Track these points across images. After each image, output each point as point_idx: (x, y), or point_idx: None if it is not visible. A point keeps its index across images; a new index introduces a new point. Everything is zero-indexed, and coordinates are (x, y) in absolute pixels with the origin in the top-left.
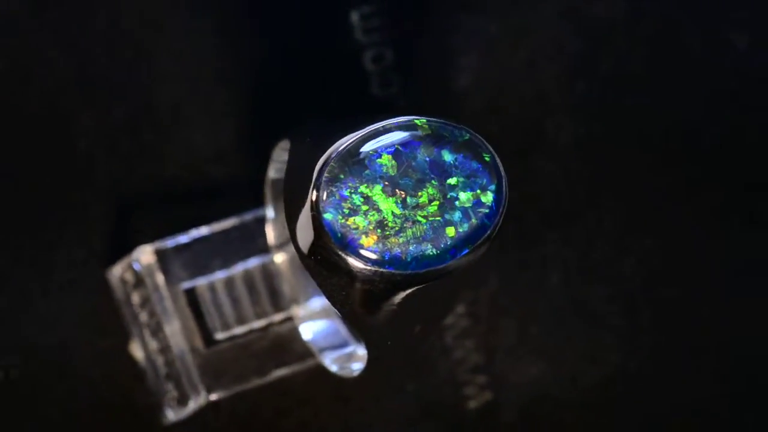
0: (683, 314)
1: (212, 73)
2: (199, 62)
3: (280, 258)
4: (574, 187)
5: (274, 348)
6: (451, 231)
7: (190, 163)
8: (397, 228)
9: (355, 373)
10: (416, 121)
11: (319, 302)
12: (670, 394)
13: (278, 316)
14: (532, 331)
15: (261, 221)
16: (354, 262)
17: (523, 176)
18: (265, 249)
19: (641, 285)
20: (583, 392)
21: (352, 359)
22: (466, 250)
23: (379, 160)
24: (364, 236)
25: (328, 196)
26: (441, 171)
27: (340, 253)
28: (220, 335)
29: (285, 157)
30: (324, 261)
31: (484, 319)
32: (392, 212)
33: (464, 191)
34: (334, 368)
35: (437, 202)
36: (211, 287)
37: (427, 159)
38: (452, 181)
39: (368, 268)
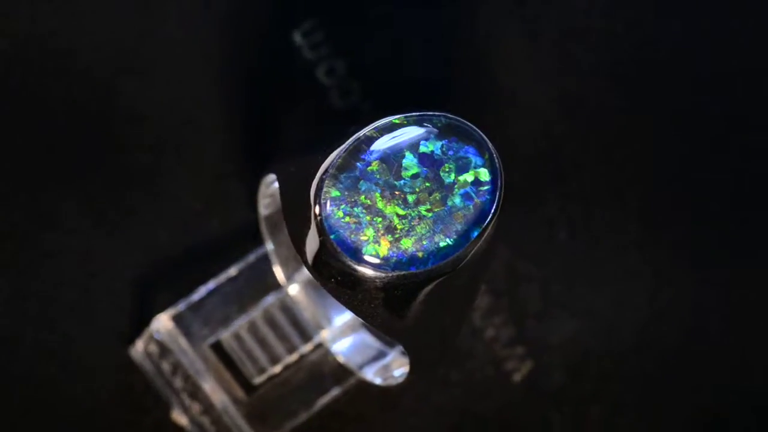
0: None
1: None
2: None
3: (293, 289)
4: (562, 146)
5: (313, 377)
6: (458, 217)
7: (181, 222)
8: (406, 228)
9: (400, 380)
10: (394, 120)
11: (343, 320)
12: (705, 323)
13: (308, 346)
14: (555, 290)
15: (265, 259)
16: (375, 273)
17: (506, 142)
18: (276, 285)
19: (650, 226)
20: (621, 340)
21: (392, 367)
22: (477, 231)
23: (369, 168)
24: (376, 245)
25: (331, 217)
26: (432, 162)
27: (359, 268)
28: (257, 380)
29: (272, 191)
30: (345, 280)
31: (506, 291)
32: (396, 214)
33: (459, 174)
34: (378, 381)
35: (437, 194)
36: (236, 336)
37: (415, 154)
38: (445, 168)
39: (390, 274)
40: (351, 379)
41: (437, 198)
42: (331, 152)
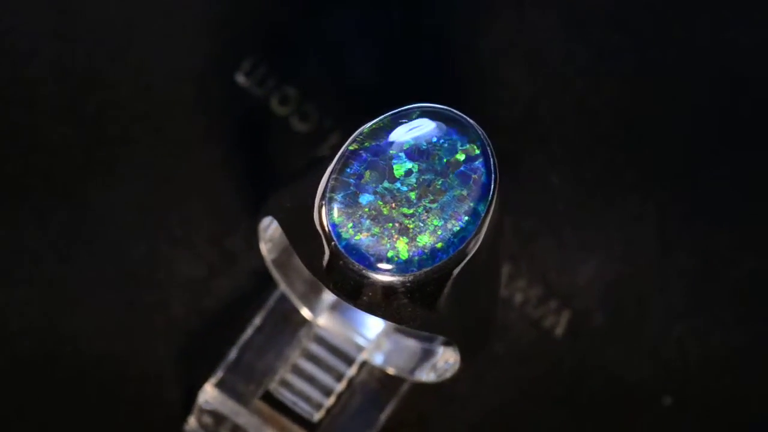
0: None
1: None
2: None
3: (321, 319)
4: (537, 107)
5: (367, 397)
6: (462, 198)
7: (191, 291)
8: (418, 225)
9: (453, 370)
10: (371, 127)
11: (377, 331)
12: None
13: (353, 369)
14: (565, 237)
15: (284, 299)
16: (403, 278)
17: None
18: (303, 320)
19: (644, 169)
20: (641, 264)
21: (441, 361)
22: (484, 205)
23: (363, 180)
24: (395, 251)
25: (343, 240)
26: (420, 154)
27: (386, 278)
28: (316, 417)
29: (270, 234)
30: (376, 294)
31: (520, 254)
32: (404, 215)
33: (450, 157)
34: (432, 378)
35: (435, 183)
36: (282, 382)
37: (401, 151)
38: (434, 156)
39: (417, 274)
40: (404, 386)
41: (437, 187)
42: (319, 174)
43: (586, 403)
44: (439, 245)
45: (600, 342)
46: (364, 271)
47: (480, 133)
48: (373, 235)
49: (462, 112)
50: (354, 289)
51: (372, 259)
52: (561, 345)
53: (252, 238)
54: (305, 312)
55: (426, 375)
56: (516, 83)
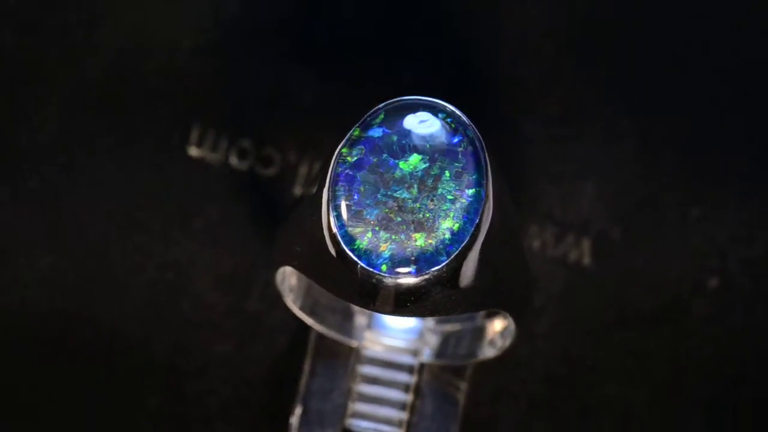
0: None
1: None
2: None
3: (368, 342)
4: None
5: (439, 395)
6: (459, 174)
7: (230, 366)
8: (431, 215)
9: (511, 336)
10: (343, 150)
11: (418, 330)
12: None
13: (414, 375)
14: (556, 175)
15: (322, 337)
16: (437, 270)
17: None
18: (349, 350)
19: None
20: (637, 173)
21: (496, 334)
22: (481, 173)
23: (361, 197)
24: (418, 249)
25: (367, 260)
26: (402, 149)
27: (424, 277)
28: None
29: (289, 284)
30: (421, 298)
31: (519, 202)
32: (412, 211)
33: (432, 141)
34: (492, 353)
35: (430, 170)
36: (355, 414)
37: (385, 155)
38: (416, 146)
39: (450, 260)
40: (468, 371)
41: (432, 173)
42: (315, 209)
43: (645, 316)
44: (456, 226)
45: (629, 257)
46: (399, 281)
47: (447, 107)
48: (393, 242)
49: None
50: (396, 302)
51: (402, 266)
52: (593, 274)
53: (267, 294)
54: (347, 341)
55: (485, 352)
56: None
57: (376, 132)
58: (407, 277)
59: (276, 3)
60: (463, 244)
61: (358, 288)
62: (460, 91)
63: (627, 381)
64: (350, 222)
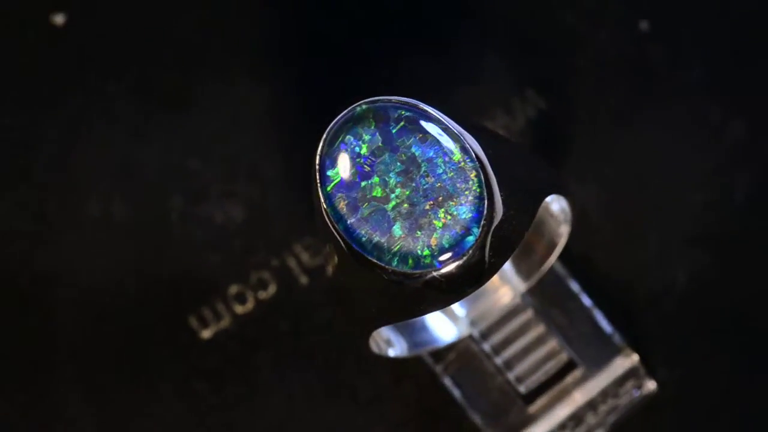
0: None
1: None
2: None
3: (476, 323)
4: None
5: (567, 314)
6: (450, 152)
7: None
8: (447, 199)
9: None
10: (331, 178)
11: (504, 277)
12: None
13: (532, 313)
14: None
15: (441, 351)
16: (459, 263)
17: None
18: (466, 344)
19: None
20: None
21: (555, 224)
22: (461, 146)
23: (364, 214)
24: (447, 226)
25: (415, 261)
26: (371, 154)
27: (461, 261)
28: (564, 357)
29: (383, 344)
30: (479, 262)
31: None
32: (424, 207)
33: (409, 136)
34: (566, 230)
35: (413, 172)
36: (518, 379)
37: (370, 173)
38: (390, 150)
39: (483, 220)
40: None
41: (422, 170)
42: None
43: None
44: (465, 218)
45: None
46: (460, 259)
47: (409, 102)
48: (418, 239)
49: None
50: (470, 277)
51: (443, 253)
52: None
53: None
54: (466, 333)
55: (562, 237)
56: None
57: (345, 163)
58: (458, 258)
59: None
60: (485, 214)
61: (436, 291)
62: None
63: None
64: (376, 249)
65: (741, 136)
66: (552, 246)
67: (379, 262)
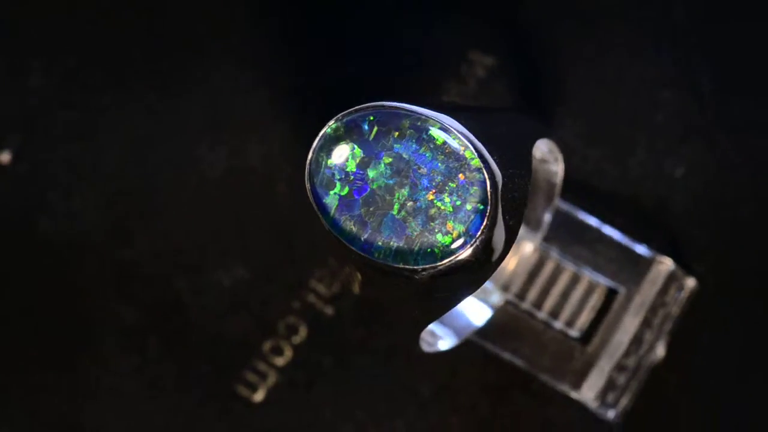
0: None
1: None
2: None
3: (496, 298)
4: None
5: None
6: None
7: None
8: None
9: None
10: (330, 199)
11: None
12: None
13: (552, 257)
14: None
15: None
16: (482, 236)
17: None
18: (507, 308)
19: None
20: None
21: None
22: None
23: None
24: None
25: (426, 261)
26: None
27: (469, 249)
28: (601, 283)
29: (430, 334)
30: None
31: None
32: (430, 197)
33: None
34: (558, 171)
35: (408, 164)
36: (569, 323)
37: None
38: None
39: (488, 215)
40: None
41: (409, 163)
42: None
43: None
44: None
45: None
46: (481, 232)
47: (373, 105)
48: (434, 230)
49: None
50: (496, 246)
51: (464, 228)
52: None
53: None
54: (502, 302)
55: (558, 175)
56: None
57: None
58: (463, 248)
59: None
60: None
61: (470, 272)
62: None
63: None
64: (398, 255)
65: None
66: (552, 188)
67: (405, 266)
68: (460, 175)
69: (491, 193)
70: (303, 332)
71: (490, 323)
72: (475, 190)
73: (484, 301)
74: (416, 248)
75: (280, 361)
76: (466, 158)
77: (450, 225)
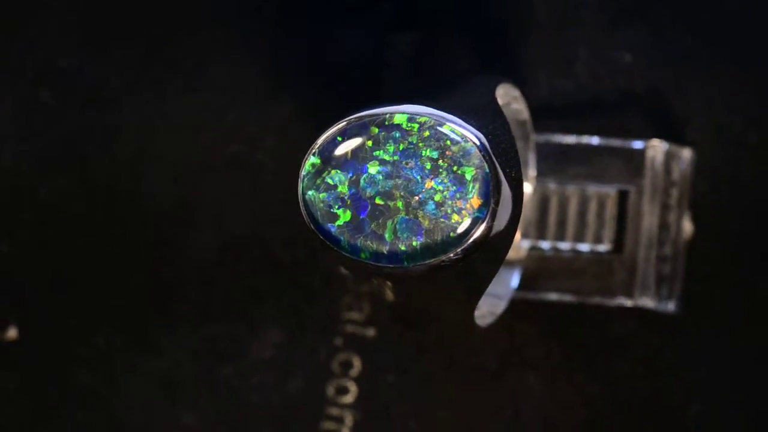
0: None
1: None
2: None
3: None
4: None
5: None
6: (441, 133)
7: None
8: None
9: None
10: (338, 230)
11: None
12: None
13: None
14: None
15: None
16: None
17: None
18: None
19: None
20: None
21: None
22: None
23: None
24: (470, 209)
25: (455, 245)
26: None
27: (479, 231)
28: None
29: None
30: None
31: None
32: (436, 190)
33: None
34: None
35: (394, 164)
36: (595, 252)
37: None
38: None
39: (490, 175)
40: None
41: (395, 163)
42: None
43: None
44: (471, 171)
45: None
46: (493, 196)
47: (337, 126)
48: (450, 219)
49: None
50: (511, 201)
51: (474, 200)
52: None
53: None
54: (524, 251)
55: (524, 112)
56: None
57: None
58: (483, 216)
59: None
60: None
61: (499, 239)
62: None
63: None
64: (426, 251)
65: None
66: (524, 125)
67: (436, 258)
68: (447, 152)
69: (484, 155)
70: (357, 364)
71: (524, 275)
72: (466, 159)
73: (510, 258)
74: (438, 238)
75: (348, 399)
76: (446, 134)
77: (459, 202)
